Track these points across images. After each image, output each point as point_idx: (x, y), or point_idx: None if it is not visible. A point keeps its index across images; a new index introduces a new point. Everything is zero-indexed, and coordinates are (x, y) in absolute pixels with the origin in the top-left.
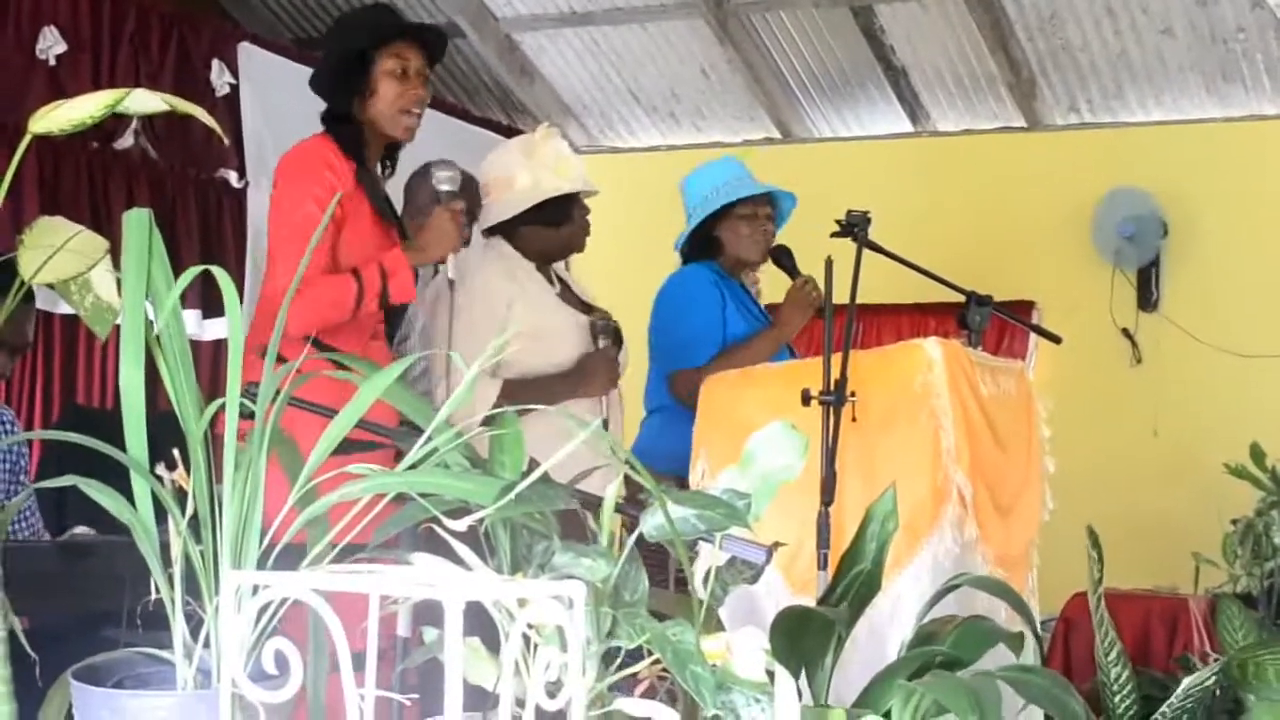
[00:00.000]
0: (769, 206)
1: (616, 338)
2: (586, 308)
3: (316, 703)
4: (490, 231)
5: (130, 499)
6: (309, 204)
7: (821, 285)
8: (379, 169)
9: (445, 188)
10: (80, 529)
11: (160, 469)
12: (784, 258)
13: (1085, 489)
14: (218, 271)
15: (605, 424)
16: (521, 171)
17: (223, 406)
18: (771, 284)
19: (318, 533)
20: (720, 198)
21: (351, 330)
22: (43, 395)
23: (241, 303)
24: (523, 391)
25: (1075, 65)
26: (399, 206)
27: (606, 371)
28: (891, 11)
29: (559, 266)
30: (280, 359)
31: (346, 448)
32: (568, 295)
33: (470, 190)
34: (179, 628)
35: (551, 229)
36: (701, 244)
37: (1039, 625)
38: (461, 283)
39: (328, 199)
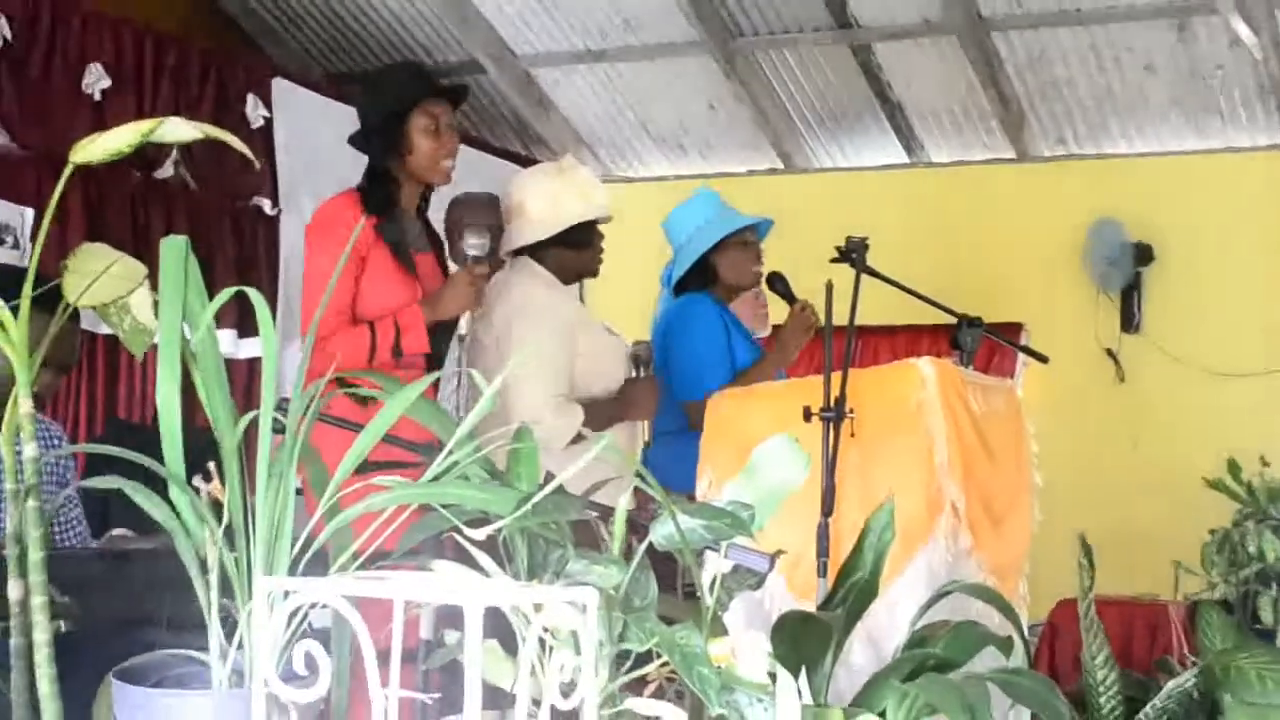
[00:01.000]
0: (756, 235)
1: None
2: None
3: (340, 703)
4: (517, 252)
5: (169, 509)
6: (329, 262)
7: (818, 308)
8: (416, 209)
9: (473, 253)
10: (119, 530)
11: (197, 480)
12: (779, 283)
13: (1070, 501)
14: (253, 293)
15: (647, 446)
16: (547, 196)
17: (255, 420)
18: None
19: (346, 541)
20: (718, 229)
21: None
22: (86, 411)
23: (274, 323)
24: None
25: (1062, 100)
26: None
27: (650, 399)
28: (888, 49)
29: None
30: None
31: (371, 467)
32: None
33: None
34: (215, 631)
35: (574, 252)
36: (695, 275)
37: (1026, 630)
38: (475, 337)
39: (349, 256)
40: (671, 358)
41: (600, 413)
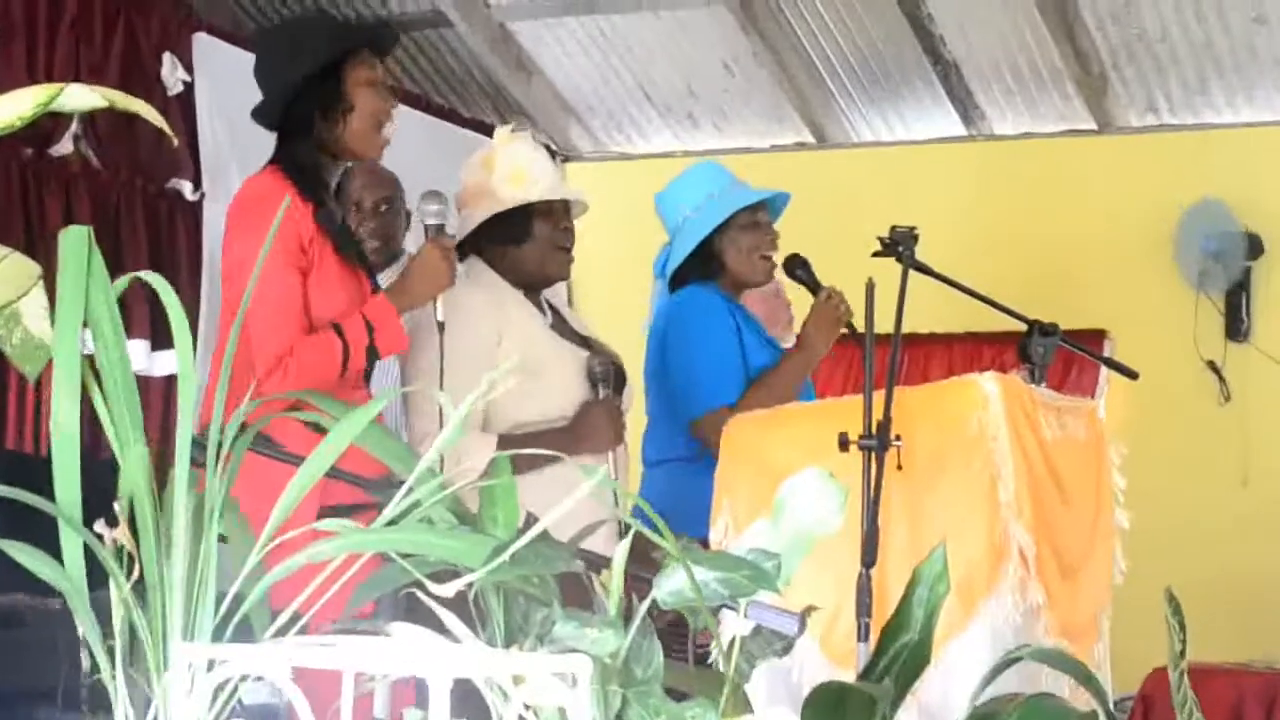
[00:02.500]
0: (769, 214)
1: (619, 382)
2: (584, 342)
3: None
4: (462, 254)
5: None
6: (269, 259)
7: (856, 303)
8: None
9: (432, 221)
10: None
11: (100, 525)
12: (800, 269)
13: (1165, 547)
14: (158, 281)
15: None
16: (470, 184)
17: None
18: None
19: (284, 600)
20: (722, 206)
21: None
22: None
23: (196, 331)
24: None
25: (1153, 58)
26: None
27: (610, 425)
28: None
29: (556, 296)
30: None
31: (329, 513)
32: (561, 327)
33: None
34: (121, 708)
35: (513, 248)
36: (695, 264)
37: (1113, 704)
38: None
39: (292, 248)
40: (671, 366)
41: (546, 444)
